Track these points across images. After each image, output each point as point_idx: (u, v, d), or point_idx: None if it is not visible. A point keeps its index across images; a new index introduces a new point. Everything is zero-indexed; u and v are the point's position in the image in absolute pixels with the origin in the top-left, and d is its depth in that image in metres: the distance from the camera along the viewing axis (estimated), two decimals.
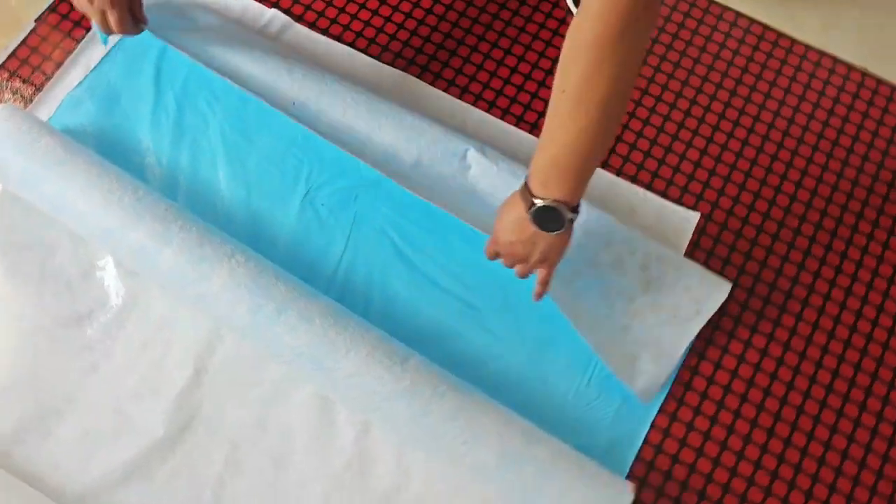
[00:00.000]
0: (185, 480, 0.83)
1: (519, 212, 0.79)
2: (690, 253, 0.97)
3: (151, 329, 0.88)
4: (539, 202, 0.76)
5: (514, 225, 0.80)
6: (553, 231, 0.78)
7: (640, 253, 0.92)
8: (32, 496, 0.81)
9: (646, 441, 0.88)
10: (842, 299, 0.96)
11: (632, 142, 1.02)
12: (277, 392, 0.87)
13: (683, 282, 0.91)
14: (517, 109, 1.03)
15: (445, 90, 1.02)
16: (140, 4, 0.92)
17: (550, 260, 0.81)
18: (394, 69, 1.03)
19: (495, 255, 0.85)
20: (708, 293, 0.91)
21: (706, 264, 0.95)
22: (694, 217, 0.99)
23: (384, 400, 0.81)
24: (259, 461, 0.84)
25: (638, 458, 0.88)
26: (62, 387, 0.86)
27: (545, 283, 0.84)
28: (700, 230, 0.98)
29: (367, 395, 0.82)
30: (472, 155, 0.94)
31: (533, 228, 0.78)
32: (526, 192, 0.78)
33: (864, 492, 0.88)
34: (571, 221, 0.78)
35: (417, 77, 1.03)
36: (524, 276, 0.84)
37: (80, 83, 0.99)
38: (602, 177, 0.99)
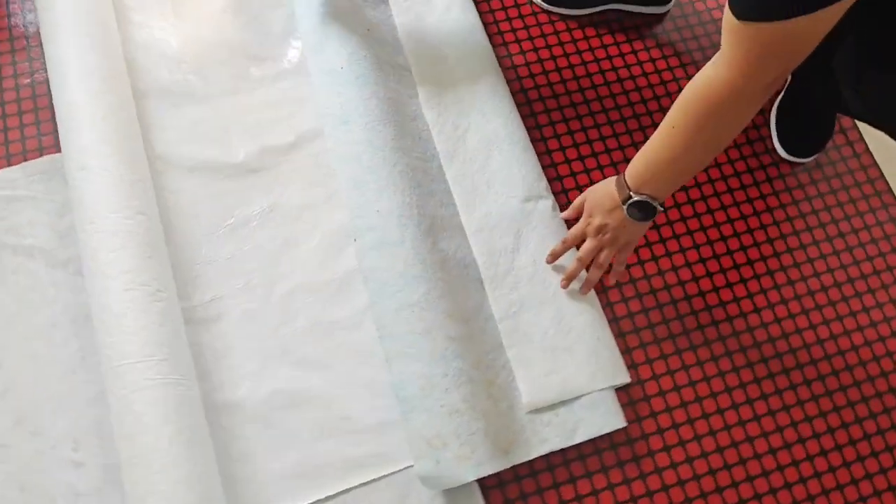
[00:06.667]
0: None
1: (613, 200, 0.97)
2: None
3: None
4: (636, 197, 0.95)
5: (608, 207, 0.99)
6: (642, 219, 0.98)
7: None
8: None
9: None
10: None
11: None
12: None
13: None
14: None
15: None
16: None
17: (632, 243, 1.03)
18: None
19: (579, 238, 1.04)
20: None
21: None
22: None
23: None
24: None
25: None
26: None
27: (623, 264, 1.05)
28: None
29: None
30: None
31: (624, 215, 0.98)
32: (623, 185, 0.96)
33: None
34: (657, 212, 0.97)
35: None
36: (604, 264, 1.03)
37: None
38: None
